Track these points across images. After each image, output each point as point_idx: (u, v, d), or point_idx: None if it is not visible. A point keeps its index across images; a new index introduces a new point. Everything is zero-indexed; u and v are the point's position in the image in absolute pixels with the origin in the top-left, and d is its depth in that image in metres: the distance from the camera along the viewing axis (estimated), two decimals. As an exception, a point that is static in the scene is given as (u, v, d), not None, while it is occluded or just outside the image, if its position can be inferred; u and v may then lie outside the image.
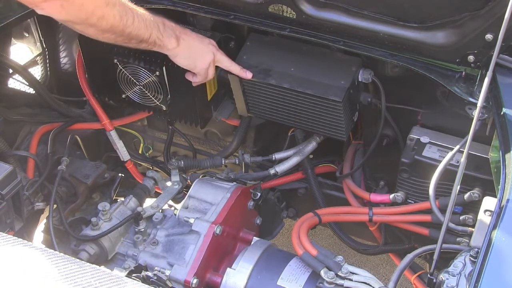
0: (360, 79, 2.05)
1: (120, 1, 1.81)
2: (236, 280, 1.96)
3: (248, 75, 2.06)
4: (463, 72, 1.86)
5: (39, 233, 2.24)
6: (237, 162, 2.35)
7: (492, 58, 1.54)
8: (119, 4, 1.80)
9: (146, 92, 2.23)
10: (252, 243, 2.10)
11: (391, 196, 2.11)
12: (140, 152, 2.65)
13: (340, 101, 1.98)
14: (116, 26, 1.81)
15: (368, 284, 1.83)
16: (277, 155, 2.29)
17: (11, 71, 2.48)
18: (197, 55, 2.00)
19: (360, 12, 1.89)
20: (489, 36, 1.73)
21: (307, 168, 2.32)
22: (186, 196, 2.16)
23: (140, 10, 1.87)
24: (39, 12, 1.71)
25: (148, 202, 2.20)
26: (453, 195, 1.55)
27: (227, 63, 2.06)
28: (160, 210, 2.13)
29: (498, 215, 1.50)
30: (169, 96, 2.22)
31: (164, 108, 2.27)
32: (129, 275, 1.92)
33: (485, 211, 1.64)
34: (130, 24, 1.83)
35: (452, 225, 1.95)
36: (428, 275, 1.66)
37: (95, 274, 1.36)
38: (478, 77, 1.83)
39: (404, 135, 2.10)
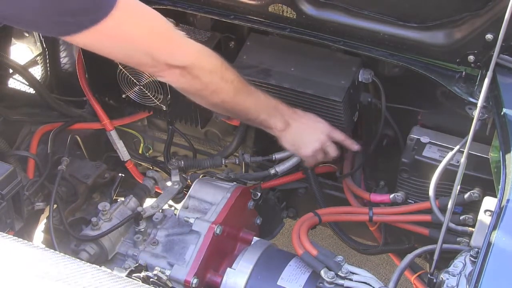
0: (360, 79, 2.05)
1: (238, 79, 1.84)
2: (236, 280, 1.96)
3: (355, 147, 2.12)
4: (463, 72, 1.86)
5: (39, 233, 2.23)
6: (237, 162, 2.35)
7: (492, 58, 1.53)
8: (236, 81, 1.84)
9: (146, 92, 2.23)
10: (252, 243, 2.10)
11: (391, 196, 2.11)
12: (140, 152, 2.65)
13: (341, 101, 1.98)
14: (227, 102, 1.86)
15: (368, 284, 1.83)
16: (277, 155, 2.29)
17: (11, 71, 2.48)
18: (301, 143, 2.02)
19: (360, 12, 1.89)
20: (489, 36, 1.73)
21: (307, 168, 2.32)
22: (186, 196, 2.16)
23: (256, 91, 1.91)
24: (158, 79, 1.79)
25: (148, 202, 2.20)
26: (453, 195, 1.55)
27: (340, 138, 2.08)
28: (160, 210, 2.13)
29: (498, 215, 1.50)
30: (169, 96, 2.22)
31: (164, 108, 2.28)
32: (129, 275, 1.92)
33: (485, 211, 1.63)
34: (241, 102, 1.87)
35: (452, 225, 1.95)
36: (428, 275, 1.66)
37: (95, 274, 1.36)
38: (478, 77, 1.83)
39: (404, 135, 2.10)
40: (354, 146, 2.12)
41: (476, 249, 1.55)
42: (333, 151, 2.08)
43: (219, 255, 2.03)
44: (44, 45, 2.63)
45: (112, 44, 1.62)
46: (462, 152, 1.58)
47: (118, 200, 2.19)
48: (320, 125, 2.04)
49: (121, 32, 1.58)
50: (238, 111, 1.91)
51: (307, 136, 2.02)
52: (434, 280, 1.60)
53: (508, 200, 1.51)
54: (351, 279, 1.84)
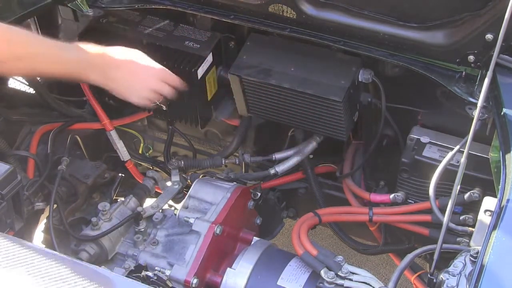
0: (360, 79, 2.05)
1: (33, 52, 1.81)
2: (236, 280, 1.96)
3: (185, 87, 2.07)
4: (463, 72, 1.86)
5: (39, 233, 2.24)
6: (237, 162, 2.35)
7: (492, 58, 1.53)
8: (30, 57, 1.81)
9: (146, 92, 2.23)
10: (252, 243, 2.10)
11: (391, 196, 2.11)
12: (140, 152, 2.65)
13: (341, 101, 1.98)
14: (24, 74, 1.94)
15: (368, 284, 1.83)
16: (277, 155, 2.29)
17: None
18: (128, 92, 1.99)
19: (360, 12, 1.89)
20: (489, 36, 1.74)
21: (307, 168, 2.32)
22: (186, 196, 2.16)
23: (63, 53, 1.86)
24: None
25: (148, 202, 2.20)
26: (453, 195, 1.55)
27: (174, 82, 2.04)
28: (160, 210, 2.13)
29: (498, 215, 1.50)
30: (169, 96, 2.22)
31: (164, 108, 2.27)
32: (129, 275, 1.93)
33: (485, 211, 1.64)
34: (42, 71, 1.86)
35: (452, 225, 1.95)
36: (428, 275, 1.66)
37: (95, 274, 1.36)
38: (478, 77, 1.83)
39: (404, 135, 2.11)
40: (184, 87, 2.08)
41: (476, 249, 1.55)
42: (167, 93, 2.04)
43: (219, 255, 2.03)
44: (44, 45, 2.62)
45: None
46: (462, 152, 1.58)
47: (118, 200, 2.19)
48: (151, 71, 2.01)
49: None
50: (42, 76, 1.94)
51: (134, 85, 1.99)
52: (434, 280, 1.60)
53: (508, 200, 1.51)
54: (351, 279, 1.84)
